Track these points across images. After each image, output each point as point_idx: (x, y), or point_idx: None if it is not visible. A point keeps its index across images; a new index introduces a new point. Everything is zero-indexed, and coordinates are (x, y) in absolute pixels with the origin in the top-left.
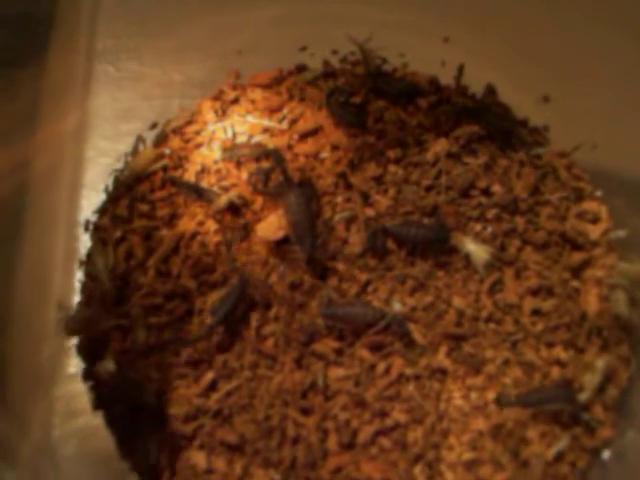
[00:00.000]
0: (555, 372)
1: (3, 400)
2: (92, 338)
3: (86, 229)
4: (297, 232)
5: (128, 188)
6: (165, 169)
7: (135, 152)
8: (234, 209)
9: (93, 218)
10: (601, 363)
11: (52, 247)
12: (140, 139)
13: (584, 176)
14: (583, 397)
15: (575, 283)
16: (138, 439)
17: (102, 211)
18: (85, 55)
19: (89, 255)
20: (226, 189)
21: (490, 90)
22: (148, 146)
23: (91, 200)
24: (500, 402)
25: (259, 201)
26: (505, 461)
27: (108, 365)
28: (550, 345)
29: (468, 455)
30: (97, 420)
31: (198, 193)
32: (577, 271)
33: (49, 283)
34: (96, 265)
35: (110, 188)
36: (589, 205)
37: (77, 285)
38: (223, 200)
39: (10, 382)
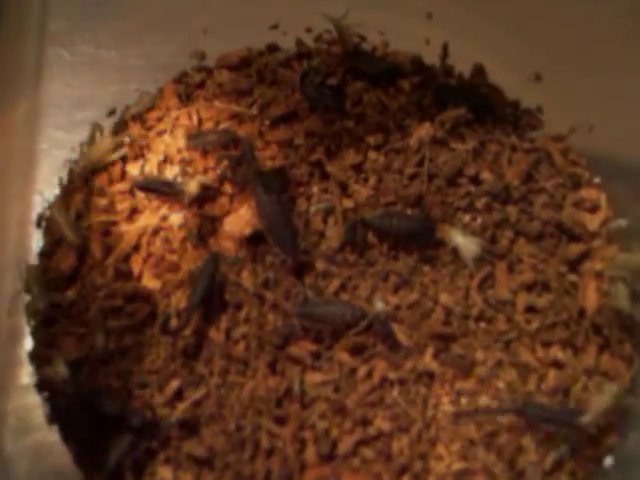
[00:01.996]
0: (552, 375)
1: None
2: (46, 343)
3: (38, 226)
4: (275, 235)
5: (84, 181)
6: (124, 159)
7: (92, 141)
8: (200, 201)
9: (46, 214)
10: (614, 389)
11: (3, 246)
12: (97, 127)
13: (581, 161)
14: (586, 420)
15: (572, 277)
16: (98, 455)
17: (56, 206)
18: (36, 38)
19: (41, 254)
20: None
21: (478, 70)
22: (105, 134)
23: (45, 196)
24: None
25: (227, 193)
26: (499, 471)
27: (59, 370)
28: (546, 344)
29: (458, 465)
30: (53, 435)
31: (169, 188)
32: (574, 264)
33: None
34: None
35: (64, 181)
36: (587, 193)
37: None
38: (193, 186)
39: None
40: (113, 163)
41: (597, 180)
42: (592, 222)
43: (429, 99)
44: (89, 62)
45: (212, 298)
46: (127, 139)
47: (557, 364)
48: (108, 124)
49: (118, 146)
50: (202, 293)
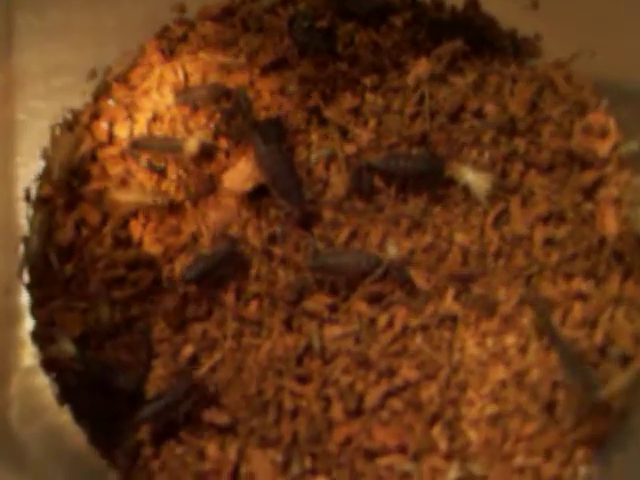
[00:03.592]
0: (577, 307)
1: None
2: (47, 321)
3: (27, 199)
4: (279, 186)
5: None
6: (111, 123)
7: (54, 140)
8: (196, 159)
9: (34, 188)
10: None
11: None
12: (53, 129)
13: (586, 86)
14: (603, 393)
15: (589, 205)
16: (114, 432)
17: (42, 178)
18: (2, 6)
19: (32, 230)
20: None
21: (471, 1)
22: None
23: (30, 168)
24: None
25: (223, 148)
26: (534, 411)
27: (66, 347)
28: (568, 277)
29: (491, 409)
30: (64, 416)
31: (169, 144)
32: (589, 192)
33: None
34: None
35: (49, 152)
36: (594, 118)
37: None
38: (193, 144)
39: None
40: (98, 128)
41: (603, 104)
42: (602, 148)
43: (423, 35)
44: (62, 27)
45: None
46: (111, 102)
47: (581, 296)
48: (89, 88)
49: (80, 140)
50: (202, 271)
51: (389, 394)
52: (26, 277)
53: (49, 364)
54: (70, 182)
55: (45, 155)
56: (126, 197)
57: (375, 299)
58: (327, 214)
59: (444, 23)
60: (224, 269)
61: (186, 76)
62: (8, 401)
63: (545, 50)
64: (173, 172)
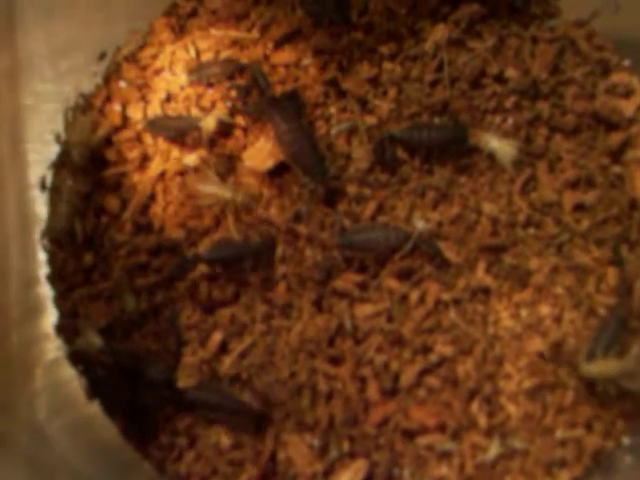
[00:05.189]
0: (611, 273)
1: None
2: (71, 313)
3: (42, 188)
4: (302, 163)
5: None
6: (124, 105)
7: (68, 124)
8: (216, 137)
9: (49, 175)
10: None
11: (2, 219)
12: (68, 111)
13: (607, 45)
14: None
15: (617, 168)
16: (146, 424)
17: (58, 164)
18: None
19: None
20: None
21: None
22: (78, 116)
23: (43, 154)
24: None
25: (240, 126)
26: (572, 382)
27: (92, 340)
28: (600, 243)
29: (529, 382)
30: (92, 408)
31: (186, 123)
32: (617, 154)
33: (4, 260)
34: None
35: (63, 137)
36: (618, 77)
37: (42, 257)
38: (211, 122)
39: None
40: (111, 111)
41: (626, 63)
42: (628, 107)
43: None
44: (66, 5)
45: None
46: (123, 83)
47: (614, 261)
48: (99, 69)
49: (96, 124)
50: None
51: (425, 371)
52: (46, 269)
53: (76, 357)
54: (88, 168)
55: (59, 140)
56: (144, 176)
57: (405, 275)
58: (351, 189)
59: None
60: (252, 258)
61: (198, 53)
62: (34, 395)
63: (564, 8)
64: (189, 153)
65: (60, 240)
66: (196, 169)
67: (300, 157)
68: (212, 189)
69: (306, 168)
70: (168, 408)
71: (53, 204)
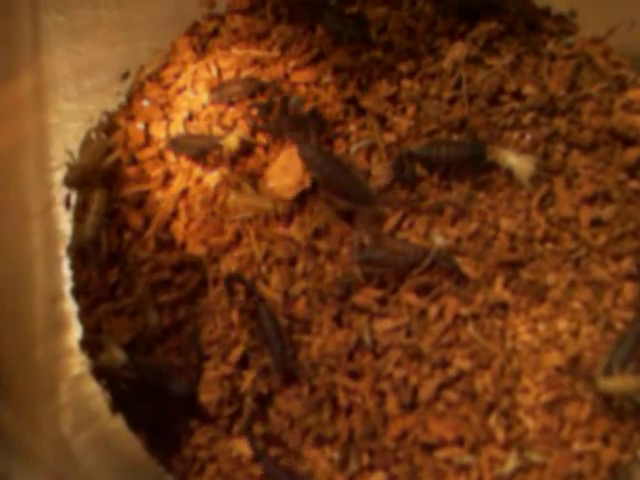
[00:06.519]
0: (628, 288)
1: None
2: (95, 328)
3: (67, 206)
4: (335, 187)
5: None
6: (147, 124)
7: (83, 145)
8: (237, 155)
9: (73, 193)
10: None
11: (27, 236)
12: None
13: (624, 62)
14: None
15: (633, 184)
16: (170, 438)
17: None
18: (28, 6)
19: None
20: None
21: None
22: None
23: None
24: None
25: (261, 144)
26: (589, 395)
27: (116, 355)
28: (617, 258)
29: (547, 395)
30: (116, 423)
31: (208, 143)
32: (634, 170)
33: (30, 276)
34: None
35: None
36: (634, 94)
37: (66, 272)
38: (233, 141)
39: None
40: (134, 129)
41: None
42: None
43: (456, 17)
44: (90, 25)
45: None
46: (146, 102)
47: (632, 277)
48: (123, 88)
49: (110, 148)
50: None
51: (443, 386)
52: (70, 285)
53: (100, 372)
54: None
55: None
56: (166, 193)
57: (424, 290)
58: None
59: (477, 3)
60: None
61: (219, 72)
62: (59, 410)
63: (581, 25)
64: (211, 172)
65: (85, 250)
66: (218, 187)
67: (332, 181)
68: (249, 200)
69: (340, 191)
70: (190, 422)
71: (78, 218)
